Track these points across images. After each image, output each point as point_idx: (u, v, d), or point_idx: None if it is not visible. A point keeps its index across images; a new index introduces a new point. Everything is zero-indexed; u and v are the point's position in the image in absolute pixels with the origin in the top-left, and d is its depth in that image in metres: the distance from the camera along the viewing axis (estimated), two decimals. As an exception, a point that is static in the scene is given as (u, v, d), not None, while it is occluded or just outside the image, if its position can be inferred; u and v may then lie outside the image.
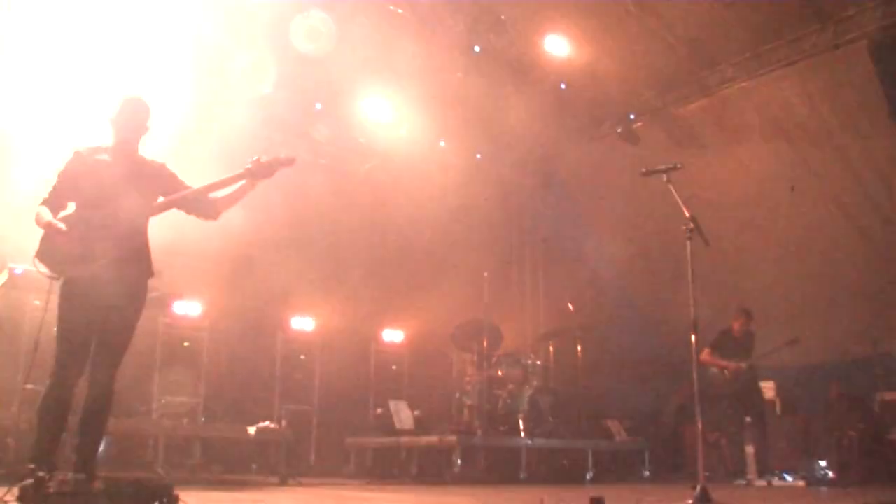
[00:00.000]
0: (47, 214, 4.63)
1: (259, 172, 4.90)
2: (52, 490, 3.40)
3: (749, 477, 9.30)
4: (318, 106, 12.09)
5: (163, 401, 9.10)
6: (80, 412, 4.67)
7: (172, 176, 5.08)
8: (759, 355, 9.69)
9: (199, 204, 5.03)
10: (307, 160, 12.59)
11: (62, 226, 4.54)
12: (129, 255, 4.77)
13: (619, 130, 12.80)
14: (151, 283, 5.03)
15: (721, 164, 11.96)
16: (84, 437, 4.65)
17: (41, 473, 3.69)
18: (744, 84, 11.30)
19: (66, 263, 4.59)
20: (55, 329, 4.64)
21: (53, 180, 4.83)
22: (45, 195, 4.79)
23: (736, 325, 9.89)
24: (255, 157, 4.89)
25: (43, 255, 4.62)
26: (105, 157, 4.89)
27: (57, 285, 4.69)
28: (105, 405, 4.71)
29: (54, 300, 4.65)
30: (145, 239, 4.97)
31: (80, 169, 4.82)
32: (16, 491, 3.60)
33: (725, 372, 9.65)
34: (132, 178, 4.83)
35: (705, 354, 9.70)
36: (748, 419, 9.77)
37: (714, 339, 9.86)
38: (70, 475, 3.70)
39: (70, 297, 4.63)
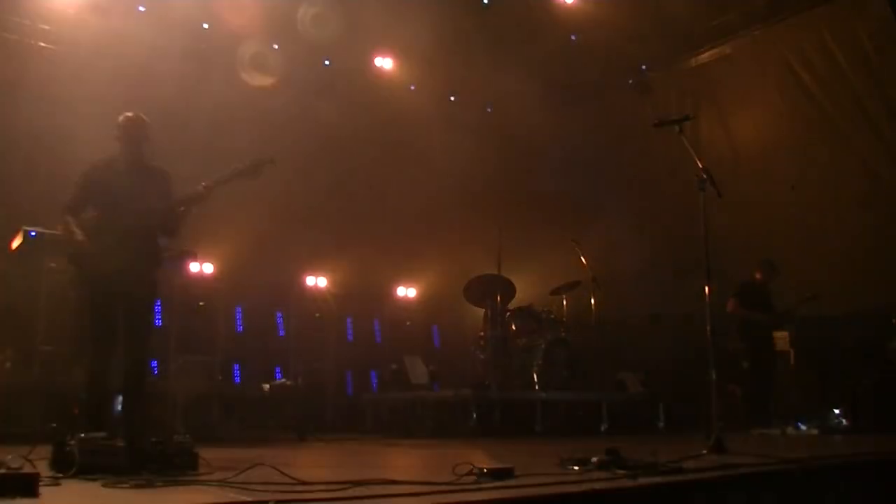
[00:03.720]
0: (71, 225, 5.38)
1: (246, 173, 5.46)
2: (74, 449, 3.45)
3: (770, 426, 9.32)
4: (327, 62, 12.00)
5: (180, 360, 9.19)
6: (122, 387, 5.53)
7: (166, 187, 5.67)
8: (780, 310, 9.73)
9: (168, 223, 5.65)
10: (316, 115, 12.58)
11: (81, 236, 5.32)
12: (140, 253, 5.48)
13: (630, 82, 12.68)
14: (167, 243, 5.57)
15: (735, 114, 11.85)
16: (127, 406, 5.50)
17: (64, 433, 3.75)
18: (757, 32, 11.14)
19: (92, 265, 5.34)
20: (75, 309, 5.88)
21: (73, 188, 5.59)
22: (67, 201, 5.54)
23: (759, 276, 9.90)
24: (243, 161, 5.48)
25: (73, 258, 5.43)
26: (117, 167, 5.60)
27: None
28: (141, 376, 5.58)
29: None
30: (154, 236, 5.67)
31: (95, 179, 5.57)
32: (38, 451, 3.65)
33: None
34: (140, 185, 5.51)
35: (733, 305, 9.75)
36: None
37: (738, 289, 9.85)
38: (92, 435, 3.75)
39: (96, 289, 5.40)
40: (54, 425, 4.30)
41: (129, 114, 5.65)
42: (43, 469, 3.31)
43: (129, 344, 5.46)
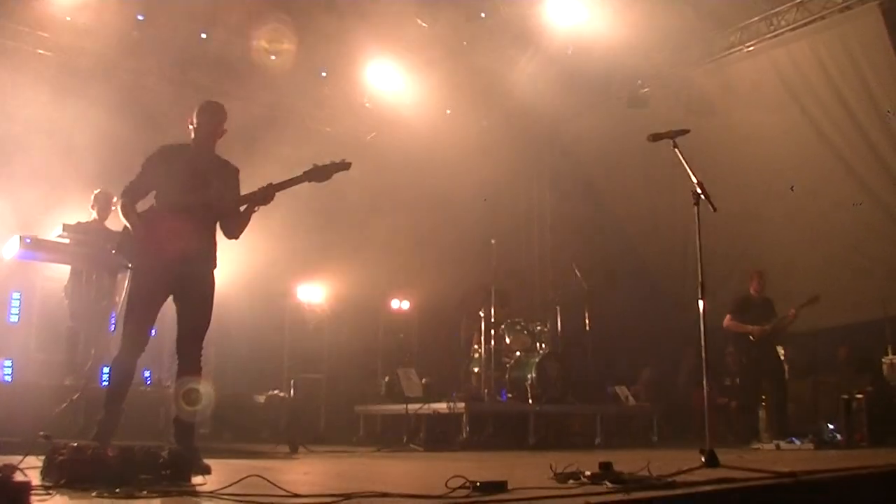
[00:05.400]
0: (130, 210, 5.10)
1: (317, 176, 5.19)
2: (66, 457, 3.43)
3: (759, 441, 9.35)
4: (324, 74, 12.03)
5: (173, 370, 9.14)
6: (175, 388, 5.25)
7: (235, 183, 5.38)
8: (780, 317, 9.72)
9: (231, 220, 5.31)
10: (311, 128, 12.60)
11: (135, 221, 5.06)
12: (197, 252, 5.17)
13: (626, 96, 12.70)
14: None
15: (730, 128, 11.88)
16: (181, 408, 5.13)
17: (56, 442, 3.73)
18: (753, 48, 11.19)
19: (141, 256, 5.10)
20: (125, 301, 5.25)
21: (138, 170, 5.25)
22: (128, 184, 5.21)
23: (753, 288, 9.89)
24: (315, 163, 5.20)
25: (121, 247, 5.20)
26: (185, 154, 5.29)
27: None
28: (196, 377, 5.19)
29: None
30: (213, 233, 5.33)
31: (162, 163, 5.23)
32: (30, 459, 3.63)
33: (751, 337, 9.69)
34: (207, 177, 5.23)
35: (728, 321, 9.74)
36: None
37: (733, 305, 9.84)
38: (84, 442, 3.74)
39: (139, 283, 5.13)
40: (43, 433, 4.25)
41: (210, 100, 5.44)
42: (34, 478, 3.30)
43: (183, 342, 5.21)
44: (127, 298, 5.16)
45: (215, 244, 5.35)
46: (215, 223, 5.31)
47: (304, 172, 5.16)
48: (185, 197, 5.12)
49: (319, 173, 5.18)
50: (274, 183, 5.13)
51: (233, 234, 5.37)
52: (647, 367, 12.77)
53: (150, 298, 5.11)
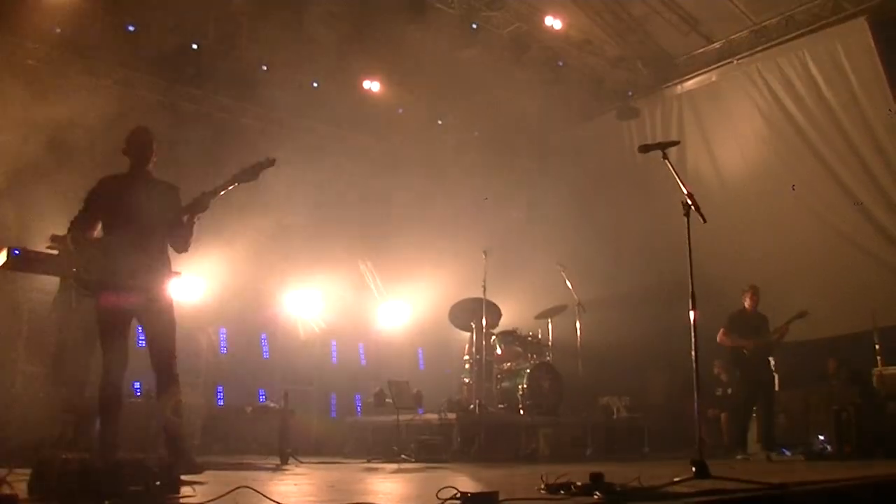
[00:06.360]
0: (81, 242, 5.30)
1: (244, 177, 5.41)
2: (54, 470, 3.41)
3: (750, 452, 9.35)
4: (315, 84, 12.04)
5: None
6: (159, 402, 5.45)
7: (175, 201, 5.63)
8: (772, 332, 9.74)
9: (179, 232, 5.56)
10: (302, 138, 12.60)
11: (86, 252, 5.23)
12: (150, 267, 5.38)
13: (616, 109, 12.76)
14: None
15: (720, 140, 11.93)
16: (165, 419, 5.34)
17: (44, 454, 3.71)
18: (742, 60, 11.25)
19: (99, 283, 5.23)
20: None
21: (82, 204, 5.51)
22: (75, 217, 5.46)
23: (747, 304, 9.90)
24: (242, 166, 5.45)
25: (78, 276, 5.27)
26: (125, 182, 5.55)
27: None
28: (173, 387, 5.41)
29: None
30: (164, 248, 5.57)
31: (104, 194, 5.49)
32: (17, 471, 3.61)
33: (745, 350, 9.71)
34: (148, 199, 5.48)
35: (721, 336, 9.75)
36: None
37: (728, 320, 9.86)
38: (71, 456, 3.72)
39: (104, 311, 5.28)
40: (33, 447, 4.25)
41: (137, 126, 5.67)
42: (21, 491, 3.27)
43: (155, 358, 5.42)
44: (98, 325, 5.34)
45: (168, 261, 5.58)
46: (164, 242, 5.56)
47: (233, 176, 5.40)
48: (130, 223, 5.36)
49: (247, 174, 5.41)
50: (206, 191, 5.38)
51: (181, 247, 5.63)
52: (653, 369, 12.74)
53: (119, 323, 5.34)
